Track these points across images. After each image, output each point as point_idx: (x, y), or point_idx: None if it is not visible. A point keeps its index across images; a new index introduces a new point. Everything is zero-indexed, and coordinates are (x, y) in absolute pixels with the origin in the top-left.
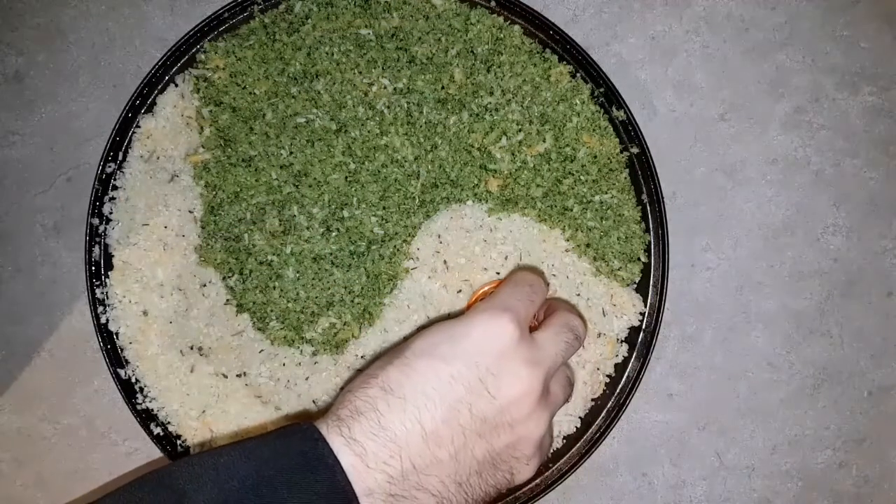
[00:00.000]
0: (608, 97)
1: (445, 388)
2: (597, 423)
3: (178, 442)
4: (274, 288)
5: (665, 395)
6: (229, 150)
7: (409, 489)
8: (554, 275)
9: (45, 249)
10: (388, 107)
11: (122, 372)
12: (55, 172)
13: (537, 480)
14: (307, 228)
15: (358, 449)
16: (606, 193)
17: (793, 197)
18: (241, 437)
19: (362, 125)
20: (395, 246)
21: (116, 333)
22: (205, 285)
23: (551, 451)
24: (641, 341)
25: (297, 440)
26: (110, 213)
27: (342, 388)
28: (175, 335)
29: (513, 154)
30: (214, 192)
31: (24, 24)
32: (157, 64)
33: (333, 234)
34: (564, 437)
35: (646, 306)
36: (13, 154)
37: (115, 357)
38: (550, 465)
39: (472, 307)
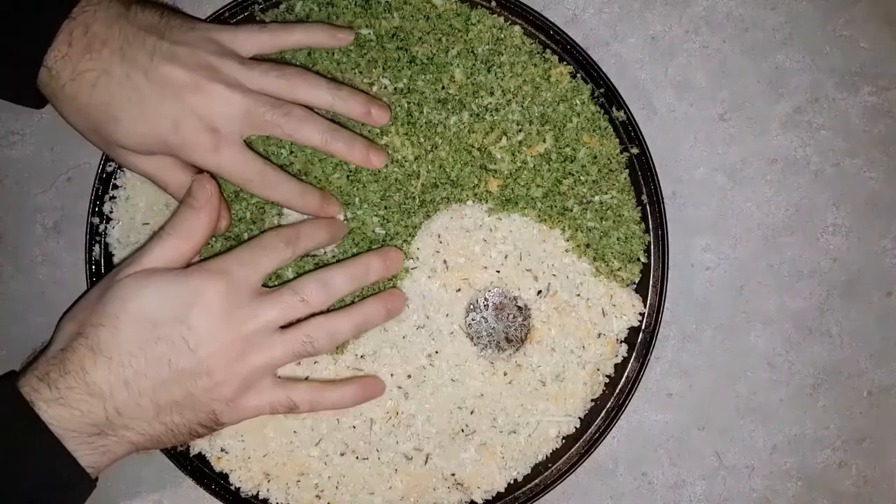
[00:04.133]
0: (608, 97)
1: (149, 347)
2: (596, 423)
3: None
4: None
5: (665, 394)
6: None
7: (115, 429)
8: (554, 275)
9: (45, 249)
10: (389, 107)
11: None
12: (55, 172)
13: (537, 480)
14: None
15: (63, 402)
16: (606, 194)
17: (793, 197)
18: (241, 436)
19: (363, 125)
20: (395, 246)
21: None
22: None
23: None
24: (641, 341)
25: None
26: (111, 212)
27: (60, 320)
28: None
29: (513, 154)
30: None
31: None
32: None
33: None
34: (564, 438)
35: (645, 306)
36: (13, 154)
37: None
38: (550, 465)
39: (195, 265)
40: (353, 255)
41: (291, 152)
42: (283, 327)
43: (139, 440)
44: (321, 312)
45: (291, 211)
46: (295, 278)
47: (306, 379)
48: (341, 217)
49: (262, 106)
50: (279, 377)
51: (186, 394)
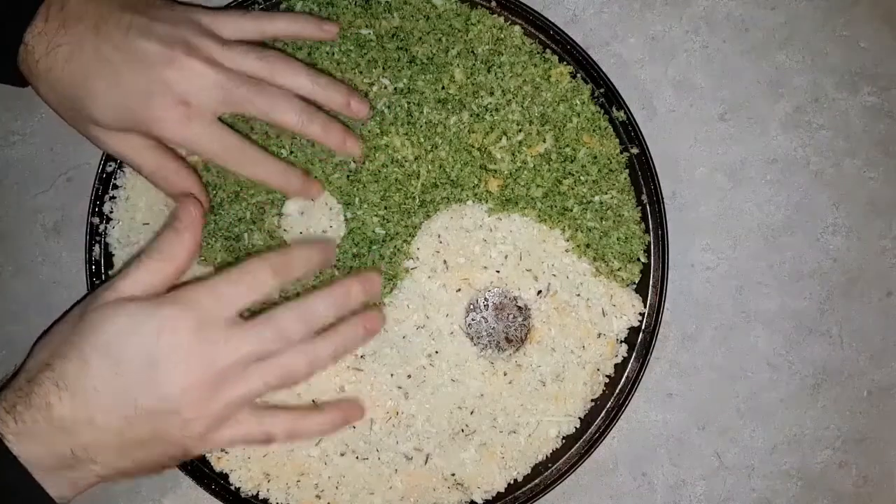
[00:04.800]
0: (608, 97)
1: (115, 384)
2: (596, 423)
3: None
4: None
5: (665, 394)
6: None
7: (81, 464)
8: (554, 275)
9: (45, 249)
10: (389, 107)
11: None
12: (55, 172)
13: (537, 480)
14: None
15: (29, 436)
16: (606, 194)
17: (793, 197)
18: None
19: (363, 125)
20: (395, 246)
21: None
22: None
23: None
24: (641, 341)
25: None
26: (111, 212)
27: (35, 343)
28: None
29: (513, 154)
30: (215, 192)
31: None
32: None
33: None
34: (564, 438)
35: (645, 306)
36: (13, 154)
37: None
38: (550, 465)
39: (168, 294)
40: (350, 254)
41: (291, 152)
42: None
43: (107, 473)
44: None
45: (292, 211)
46: (273, 306)
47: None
48: (320, 197)
49: (235, 81)
50: (257, 404)
51: (154, 431)
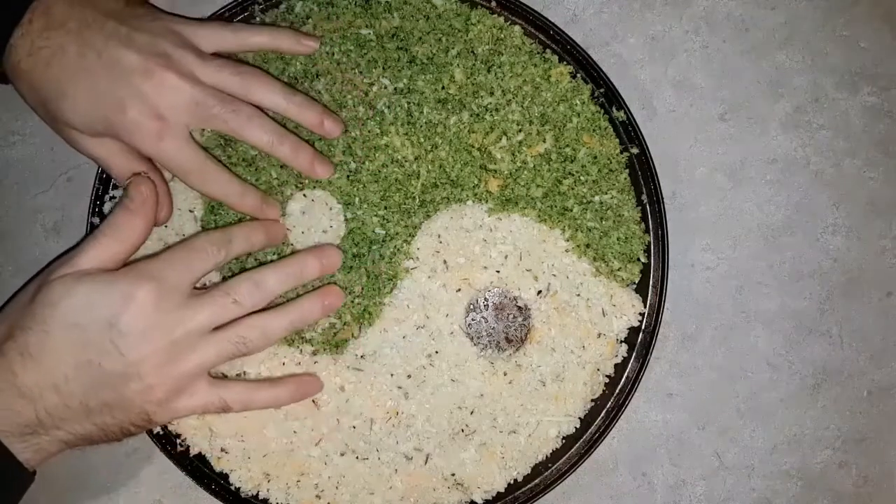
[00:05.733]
0: (608, 97)
1: (78, 351)
2: (596, 423)
3: (178, 441)
4: None
5: (665, 394)
6: (230, 149)
7: (47, 429)
8: (554, 275)
9: (45, 249)
10: (389, 107)
11: None
12: (55, 172)
13: (537, 480)
14: None
15: None
16: (606, 194)
17: (793, 197)
18: (241, 436)
19: (362, 125)
20: (395, 246)
21: None
22: (205, 285)
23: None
24: (641, 341)
25: None
26: (110, 212)
27: None
28: None
29: (513, 154)
30: None
31: None
32: None
33: None
34: (564, 438)
35: (645, 306)
36: (13, 154)
37: None
38: (550, 465)
39: (126, 267)
40: (351, 255)
41: None
42: (217, 328)
43: (71, 439)
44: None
45: (293, 210)
46: (229, 278)
47: (240, 376)
48: (280, 219)
49: (211, 98)
50: (213, 377)
51: (117, 396)
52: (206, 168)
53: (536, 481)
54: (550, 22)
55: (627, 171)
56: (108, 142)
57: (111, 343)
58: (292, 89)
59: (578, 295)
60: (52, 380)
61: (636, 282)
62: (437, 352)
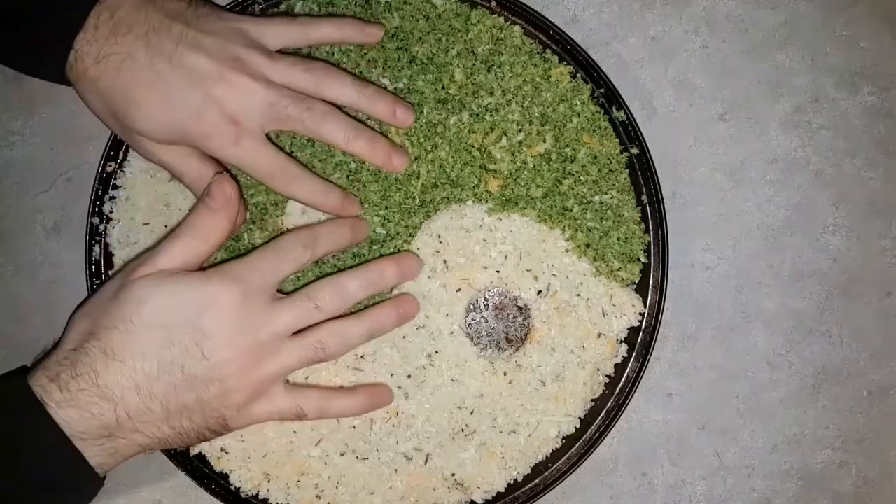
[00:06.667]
0: (608, 97)
1: (162, 352)
2: (596, 423)
3: None
4: None
5: (664, 394)
6: None
7: (125, 432)
8: (554, 275)
9: (45, 249)
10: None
11: None
12: (55, 172)
13: (537, 480)
14: None
15: (74, 404)
16: (606, 194)
17: (793, 197)
18: (241, 436)
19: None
20: (395, 246)
21: None
22: None
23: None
24: (641, 341)
25: (7, 394)
26: (111, 212)
27: (73, 315)
28: None
29: (513, 154)
30: None
31: None
32: None
33: None
34: (564, 438)
35: (645, 306)
36: (13, 154)
37: None
38: (550, 465)
39: (211, 269)
40: (351, 254)
41: (291, 152)
42: (296, 333)
43: (147, 442)
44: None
45: (293, 210)
46: (310, 283)
47: (306, 378)
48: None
49: (285, 99)
50: (289, 383)
51: (197, 399)
52: (288, 169)
53: (536, 481)
54: (550, 22)
55: (627, 171)
56: (179, 148)
57: (195, 345)
58: (363, 81)
59: (578, 295)
60: (135, 380)
61: (636, 282)
62: (437, 352)
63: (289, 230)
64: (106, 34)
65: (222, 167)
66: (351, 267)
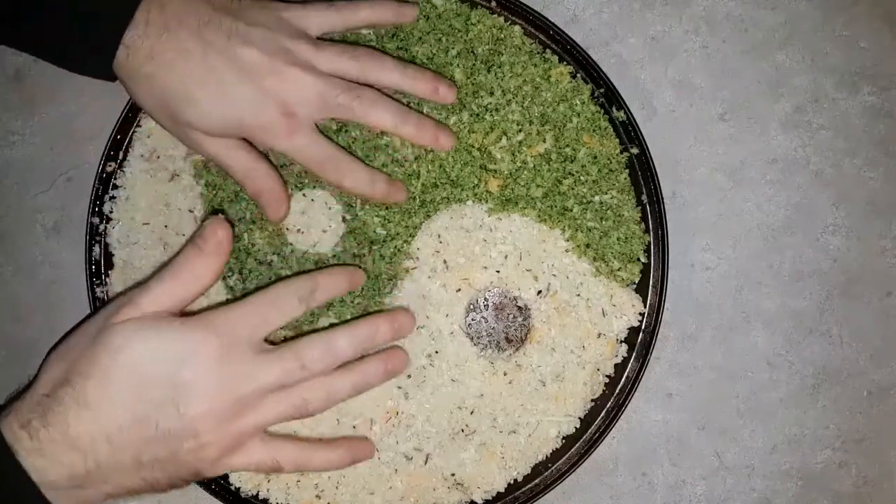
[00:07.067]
0: (608, 97)
1: (136, 404)
2: (596, 423)
3: None
4: None
5: (664, 394)
6: None
7: (93, 482)
8: (554, 275)
9: (45, 249)
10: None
11: None
12: (55, 172)
13: (537, 480)
14: None
15: (43, 454)
16: (606, 194)
17: (793, 197)
18: None
19: (357, 124)
20: (395, 246)
21: None
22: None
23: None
24: (641, 341)
25: None
26: (111, 212)
27: (48, 355)
28: None
29: (513, 154)
30: (215, 192)
31: None
32: None
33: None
34: (564, 438)
35: (645, 306)
36: (13, 154)
37: None
38: (550, 465)
39: (195, 317)
40: (351, 254)
41: None
42: None
43: (116, 492)
44: None
45: (293, 209)
46: (298, 337)
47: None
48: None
49: (335, 89)
50: (268, 433)
51: (170, 453)
52: (339, 158)
53: (536, 481)
54: (550, 22)
55: (627, 171)
56: (228, 140)
57: (170, 401)
58: (403, 61)
59: (578, 295)
60: (106, 431)
61: (636, 282)
62: (437, 352)
63: (285, 277)
64: (157, 30)
65: (268, 160)
66: (349, 265)
